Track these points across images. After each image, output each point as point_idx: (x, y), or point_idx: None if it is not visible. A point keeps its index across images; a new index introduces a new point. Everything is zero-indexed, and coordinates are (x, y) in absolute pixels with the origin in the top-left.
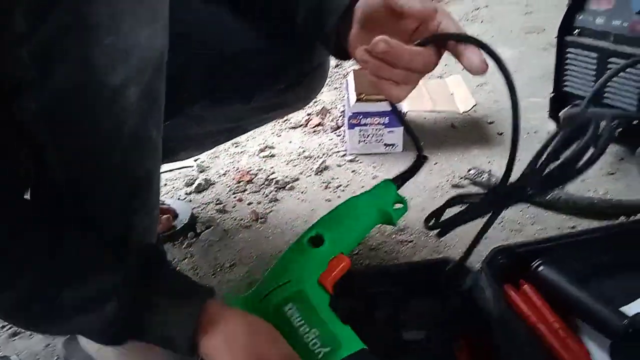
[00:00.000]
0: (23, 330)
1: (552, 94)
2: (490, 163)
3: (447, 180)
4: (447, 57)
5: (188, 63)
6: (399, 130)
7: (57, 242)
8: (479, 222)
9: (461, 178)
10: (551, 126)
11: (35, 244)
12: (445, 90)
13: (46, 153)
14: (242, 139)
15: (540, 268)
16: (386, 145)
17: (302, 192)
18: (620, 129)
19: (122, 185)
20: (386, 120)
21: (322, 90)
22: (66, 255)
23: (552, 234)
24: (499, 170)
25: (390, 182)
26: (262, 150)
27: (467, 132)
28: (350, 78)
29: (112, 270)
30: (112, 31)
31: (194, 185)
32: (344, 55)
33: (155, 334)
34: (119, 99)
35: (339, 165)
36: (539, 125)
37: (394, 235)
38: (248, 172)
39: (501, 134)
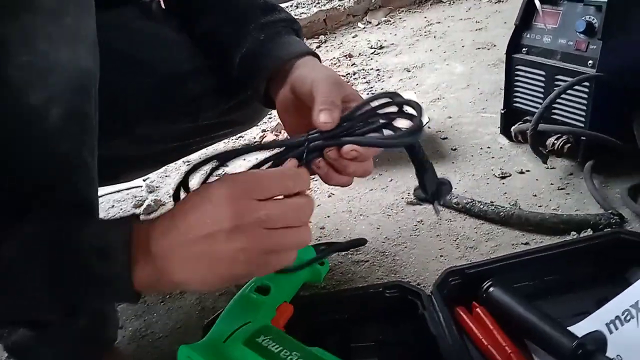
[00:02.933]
0: None
1: (503, 110)
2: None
3: (402, 198)
4: (401, 72)
5: (128, 83)
6: None
7: None
8: (434, 240)
9: (414, 195)
10: (503, 141)
11: None
12: None
13: None
14: (193, 156)
15: (491, 289)
16: None
17: None
18: (570, 144)
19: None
20: None
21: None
22: None
23: (506, 250)
24: (453, 187)
25: (310, 247)
26: (215, 169)
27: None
28: None
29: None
30: (26, 50)
31: (142, 207)
32: (272, 105)
33: (89, 245)
34: (40, 119)
35: None
36: (491, 141)
37: (349, 255)
38: None
39: (455, 149)
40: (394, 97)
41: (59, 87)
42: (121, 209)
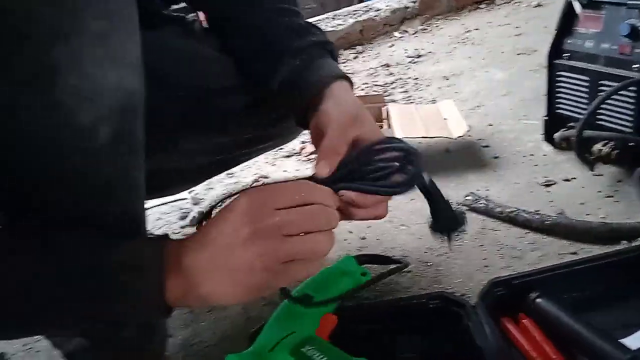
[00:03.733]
0: None
1: (546, 117)
2: (488, 189)
3: None
4: (440, 81)
5: (167, 100)
6: None
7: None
8: (477, 250)
9: (458, 204)
10: (546, 148)
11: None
12: (438, 116)
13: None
14: (236, 169)
15: (538, 300)
16: None
17: None
18: (617, 151)
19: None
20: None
21: None
22: None
23: (553, 260)
24: (496, 196)
25: (351, 257)
26: (256, 180)
27: (462, 156)
28: None
29: None
30: (75, 73)
31: (188, 219)
32: (305, 125)
33: (124, 263)
34: (90, 139)
35: None
36: (534, 148)
37: (392, 266)
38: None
39: (497, 157)
40: (394, 142)
41: (106, 108)
42: (167, 221)
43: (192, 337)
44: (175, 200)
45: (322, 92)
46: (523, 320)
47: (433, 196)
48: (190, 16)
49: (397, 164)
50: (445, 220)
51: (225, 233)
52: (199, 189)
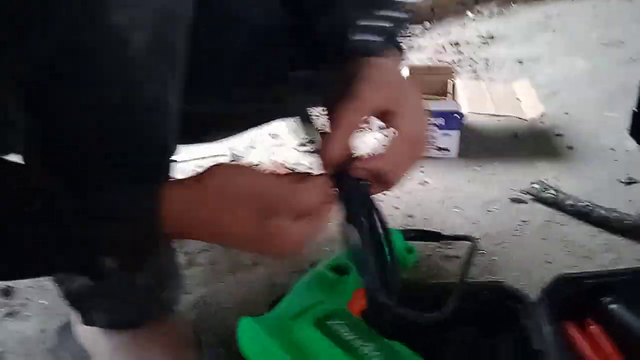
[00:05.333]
0: (18, 311)
1: (637, 109)
2: (557, 179)
3: (505, 194)
4: (513, 64)
5: (225, 39)
6: (455, 133)
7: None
8: (540, 244)
9: (522, 192)
10: (631, 144)
11: None
12: (511, 95)
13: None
14: (282, 132)
15: (612, 306)
16: (439, 148)
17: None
18: None
19: (130, 151)
20: (442, 121)
21: None
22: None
23: (629, 264)
24: (567, 188)
25: (398, 232)
26: (302, 145)
27: (531, 143)
28: (404, 74)
29: None
30: None
31: None
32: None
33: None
34: (123, 44)
35: None
36: (616, 143)
37: (439, 249)
38: (284, 165)
39: (571, 147)
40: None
41: (143, 8)
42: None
43: (209, 296)
44: (215, 156)
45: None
46: (591, 327)
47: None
48: None
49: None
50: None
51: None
52: (239, 146)
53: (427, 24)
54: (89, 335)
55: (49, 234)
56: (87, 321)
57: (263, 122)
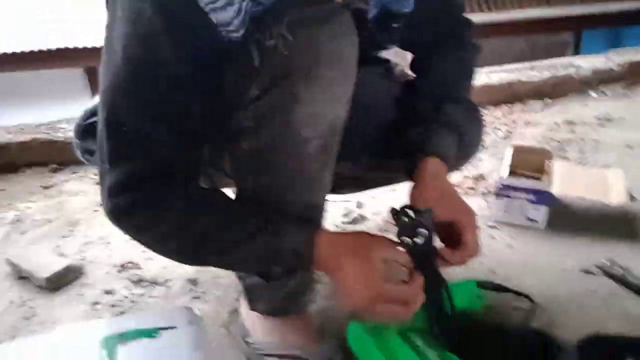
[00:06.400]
0: (200, 296)
1: None
2: (629, 259)
3: (579, 265)
4: (622, 148)
5: (361, 123)
6: (544, 208)
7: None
8: (601, 312)
9: (595, 266)
10: None
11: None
12: (603, 180)
13: (245, 173)
14: (400, 186)
15: None
16: (529, 219)
17: None
18: None
19: (298, 208)
20: (533, 198)
21: (482, 158)
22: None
23: None
24: (636, 269)
25: (473, 281)
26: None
27: (614, 225)
28: (509, 152)
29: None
30: (310, 105)
31: (349, 217)
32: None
33: (287, 247)
34: (305, 148)
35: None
36: None
37: (511, 301)
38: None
39: None
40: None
41: (320, 128)
42: (333, 214)
43: (330, 306)
44: (343, 201)
45: (424, 165)
46: None
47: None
48: (394, 61)
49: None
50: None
51: (361, 271)
52: (364, 196)
53: (547, 100)
54: (251, 317)
55: (248, 246)
56: (252, 307)
57: (387, 184)
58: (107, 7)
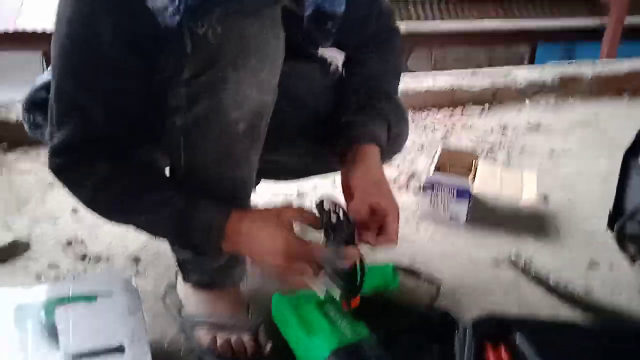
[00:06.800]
0: (142, 272)
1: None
2: (535, 252)
3: (488, 256)
4: (546, 154)
5: (292, 112)
6: (464, 204)
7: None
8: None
9: (504, 257)
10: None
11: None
12: (517, 181)
13: (177, 148)
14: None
15: (520, 340)
16: (451, 213)
17: None
18: None
19: (225, 184)
20: (455, 193)
21: (417, 157)
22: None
23: None
24: (540, 261)
25: (392, 265)
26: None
27: (526, 220)
28: (438, 151)
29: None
30: (237, 90)
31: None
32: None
33: (196, 224)
34: (233, 128)
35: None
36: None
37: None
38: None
39: (558, 230)
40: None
41: (246, 112)
42: (274, 202)
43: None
44: (285, 194)
45: (357, 150)
46: (503, 352)
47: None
48: (330, 58)
49: None
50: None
51: (269, 241)
52: (306, 186)
53: (486, 105)
54: (185, 290)
55: (166, 209)
56: (186, 279)
57: (309, 174)
58: None
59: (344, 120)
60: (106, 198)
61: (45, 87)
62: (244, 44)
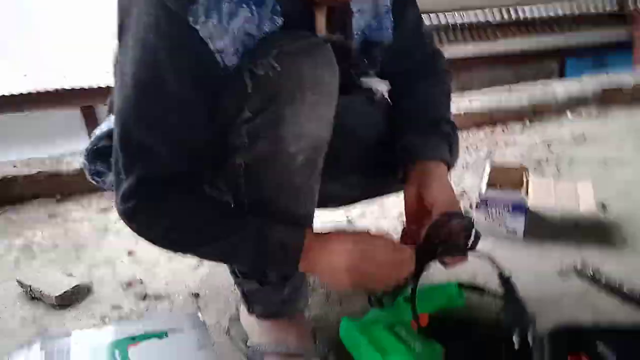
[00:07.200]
0: (203, 308)
1: None
2: (602, 263)
3: (554, 268)
4: (597, 164)
5: (345, 145)
6: (521, 218)
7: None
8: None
9: (569, 268)
10: None
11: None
12: (572, 192)
13: (239, 185)
14: (386, 205)
15: (602, 348)
16: (508, 229)
17: None
18: None
19: (287, 217)
20: (510, 208)
21: (465, 176)
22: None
23: None
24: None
25: (455, 283)
26: (400, 215)
27: (587, 231)
28: (487, 168)
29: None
30: (295, 125)
31: None
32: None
33: (274, 243)
34: (292, 162)
35: None
36: None
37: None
38: (386, 232)
39: (625, 239)
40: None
41: (305, 145)
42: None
43: (323, 309)
44: (334, 222)
45: (428, 168)
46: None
47: (510, 291)
48: (375, 88)
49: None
50: (516, 316)
51: (340, 259)
52: (354, 213)
53: (527, 121)
54: (249, 321)
55: (239, 235)
56: (250, 311)
57: (357, 202)
58: (118, 37)
59: (409, 143)
60: (181, 232)
61: (105, 136)
62: (301, 80)
